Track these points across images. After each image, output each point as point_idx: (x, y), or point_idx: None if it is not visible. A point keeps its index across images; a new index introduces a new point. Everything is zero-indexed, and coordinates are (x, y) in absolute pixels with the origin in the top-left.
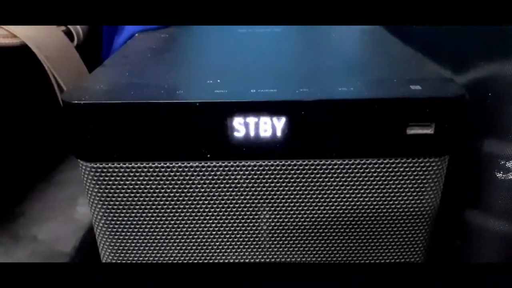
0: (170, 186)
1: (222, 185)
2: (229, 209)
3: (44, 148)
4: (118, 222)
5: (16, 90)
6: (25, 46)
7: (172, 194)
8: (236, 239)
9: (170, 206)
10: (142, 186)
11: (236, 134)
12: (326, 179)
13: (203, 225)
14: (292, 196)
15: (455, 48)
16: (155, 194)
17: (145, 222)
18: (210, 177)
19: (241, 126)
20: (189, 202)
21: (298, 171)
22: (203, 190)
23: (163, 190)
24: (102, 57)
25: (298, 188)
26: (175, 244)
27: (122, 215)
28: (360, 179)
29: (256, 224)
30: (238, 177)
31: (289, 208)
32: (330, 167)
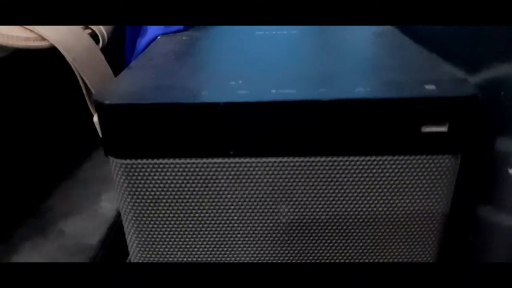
0: (196, 181)
1: (244, 181)
2: (250, 203)
3: (69, 147)
4: (146, 215)
5: (43, 90)
6: (54, 48)
7: (197, 189)
8: (256, 233)
9: (195, 200)
10: (169, 181)
11: (257, 132)
12: (344, 175)
13: (225, 219)
14: (310, 191)
15: (469, 49)
16: (181, 189)
17: (171, 216)
18: (233, 173)
19: (262, 125)
20: (213, 196)
21: (317, 167)
22: (226, 185)
23: (188, 185)
24: (126, 59)
25: (317, 184)
26: (199, 237)
27: (150, 208)
28: (376, 175)
29: (276, 217)
30: (259, 173)
31: (307, 203)
32: (347, 163)
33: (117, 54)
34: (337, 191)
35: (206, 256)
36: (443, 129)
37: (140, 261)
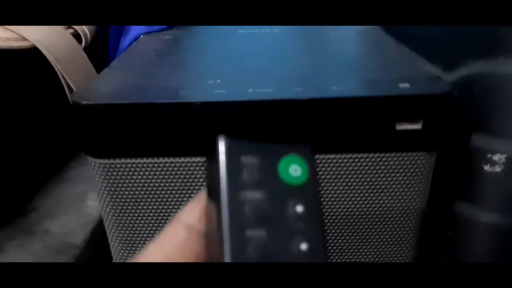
0: (174, 180)
1: None
2: None
3: (54, 147)
4: (126, 215)
5: (26, 91)
6: (35, 48)
7: (176, 188)
8: None
9: (174, 199)
10: (148, 181)
11: (234, 131)
12: (320, 173)
13: None
14: None
15: (446, 47)
16: (160, 188)
17: (152, 215)
18: None
19: (239, 124)
20: (192, 195)
21: None
22: (204, 183)
23: (167, 184)
24: (109, 58)
25: None
26: None
27: (130, 207)
28: (352, 172)
29: None
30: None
31: None
32: (323, 161)
33: (102, 54)
34: None
35: None
36: (418, 126)
37: (122, 261)
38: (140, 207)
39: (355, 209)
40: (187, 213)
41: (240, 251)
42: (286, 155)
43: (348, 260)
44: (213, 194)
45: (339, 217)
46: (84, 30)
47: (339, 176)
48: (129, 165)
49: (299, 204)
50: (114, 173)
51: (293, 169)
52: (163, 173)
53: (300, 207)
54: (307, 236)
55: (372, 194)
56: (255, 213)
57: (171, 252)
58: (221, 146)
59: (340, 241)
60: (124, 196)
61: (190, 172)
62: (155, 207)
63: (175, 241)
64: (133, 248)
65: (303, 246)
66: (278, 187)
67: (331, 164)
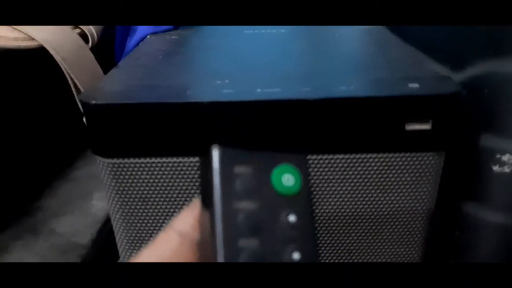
0: (183, 180)
1: None
2: None
3: (60, 146)
4: (134, 214)
5: (33, 90)
6: (42, 48)
7: (184, 187)
8: None
9: (183, 199)
10: (157, 180)
11: (242, 131)
12: (329, 173)
13: None
14: None
15: (454, 46)
16: (168, 188)
17: (159, 215)
18: None
19: (248, 124)
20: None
21: None
22: None
23: (175, 184)
24: (116, 58)
25: None
26: None
27: (138, 207)
28: (361, 172)
29: None
30: None
31: None
32: (332, 161)
33: (109, 54)
34: (323, 189)
35: None
36: (427, 126)
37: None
38: (148, 207)
39: (363, 209)
40: (181, 220)
41: (233, 260)
42: (279, 164)
43: (356, 260)
44: (207, 203)
45: (347, 217)
46: (91, 30)
47: (347, 176)
48: (137, 165)
49: (291, 213)
50: (123, 173)
51: (286, 179)
52: (171, 172)
53: (292, 216)
54: (300, 246)
55: (380, 194)
56: (248, 222)
57: (164, 258)
58: (215, 156)
59: (348, 241)
60: (133, 196)
61: (198, 172)
62: (163, 206)
63: (168, 247)
64: (141, 247)
65: (295, 256)
66: (271, 197)
67: (340, 165)
